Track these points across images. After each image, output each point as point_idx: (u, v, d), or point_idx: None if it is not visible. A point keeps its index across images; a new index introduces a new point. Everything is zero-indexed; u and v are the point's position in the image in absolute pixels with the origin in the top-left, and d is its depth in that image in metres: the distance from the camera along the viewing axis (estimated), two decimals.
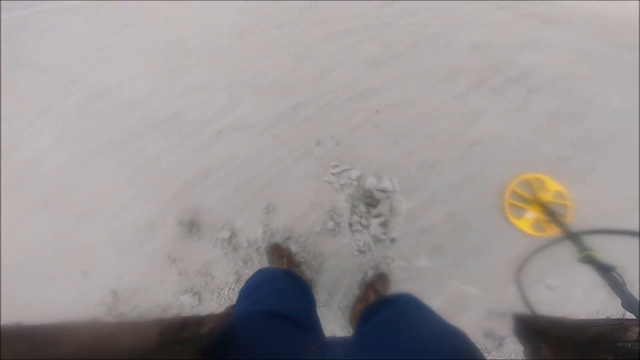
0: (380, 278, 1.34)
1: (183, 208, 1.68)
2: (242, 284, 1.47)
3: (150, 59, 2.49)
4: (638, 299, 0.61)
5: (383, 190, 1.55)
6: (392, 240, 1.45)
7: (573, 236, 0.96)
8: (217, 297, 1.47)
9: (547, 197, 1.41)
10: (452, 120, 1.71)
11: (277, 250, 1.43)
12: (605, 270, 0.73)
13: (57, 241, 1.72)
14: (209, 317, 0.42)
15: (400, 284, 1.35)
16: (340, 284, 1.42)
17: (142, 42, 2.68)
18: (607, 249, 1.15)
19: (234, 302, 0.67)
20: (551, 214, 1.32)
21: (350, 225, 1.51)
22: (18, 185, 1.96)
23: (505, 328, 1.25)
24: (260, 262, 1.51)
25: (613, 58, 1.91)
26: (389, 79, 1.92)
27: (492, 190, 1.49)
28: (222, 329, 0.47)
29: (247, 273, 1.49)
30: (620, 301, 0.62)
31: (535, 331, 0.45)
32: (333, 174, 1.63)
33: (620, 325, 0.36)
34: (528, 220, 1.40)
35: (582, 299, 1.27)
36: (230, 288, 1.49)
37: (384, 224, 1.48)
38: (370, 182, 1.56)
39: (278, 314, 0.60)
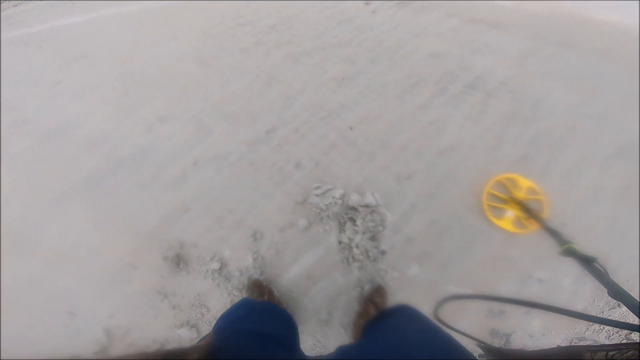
0: (378, 291, 1.38)
1: (166, 244, 1.64)
2: None
3: (108, 92, 2.39)
4: (622, 287, 0.63)
5: (367, 206, 1.60)
6: (382, 252, 1.50)
7: (552, 230, 1.01)
8: None
9: (521, 194, 1.51)
10: (419, 131, 1.80)
11: (258, 287, 1.42)
12: (587, 262, 0.74)
13: (33, 286, 1.63)
14: (194, 348, 0.43)
15: (397, 295, 1.40)
16: (338, 302, 1.45)
17: (97, 74, 2.57)
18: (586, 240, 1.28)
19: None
20: (528, 210, 1.41)
21: (340, 242, 1.55)
22: None
23: (508, 325, 1.33)
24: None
25: (555, 56, 2.11)
26: (356, 95, 1.98)
27: (465, 193, 1.59)
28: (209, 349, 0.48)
29: None
30: (606, 291, 0.64)
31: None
32: (316, 195, 1.67)
33: (573, 352, 0.41)
34: (509, 219, 1.48)
35: (573, 289, 1.38)
36: None
37: (372, 238, 1.54)
38: (354, 199, 1.61)
39: (259, 333, 0.62)
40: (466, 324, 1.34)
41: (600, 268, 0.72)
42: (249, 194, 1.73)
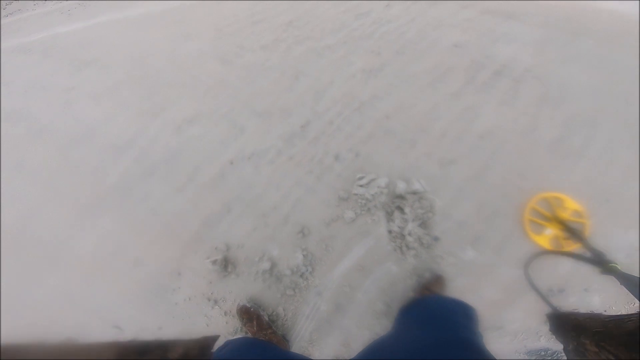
0: (438, 281, 1.38)
1: (211, 247, 1.60)
2: (295, 314, 1.44)
3: (127, 95, 2.33)
4: None
5: (414, 193, 1.60)
6: (436, 238, 1.51)
7: (595, 250, 1.02)
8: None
9: (565, 215, 1.48)
10: (455, 117, 1.83)
11: (246, 314, 1.39)
12: (629, 281, 0.75)
13: (73, 300, 1.57)
14: (177, 342, 0.41)
15: (457, 280, 1.41)
16: (394, 292, 1.45)
17: (112, 78, 2.50)
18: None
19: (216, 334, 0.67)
20: (570, 230, 1.40)
21: (390, 232, 1.55)
22: (10, 250, 1.73)
23: (568, 303, 1.35)
24: (307, 287, 1.49)
25: (572, 43, 2.17)
26: (387, 85, 2.00)
27: (509, 175, 1.62)
28: None
29: (297, 301, 1.47)
30: None
31: (575, 327, 0.46)
32: (361, 186, 1.66)
33: None
34: (547, 236, 1.46)
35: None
36: (283, 318, 1.45)
37: (423, 225, 1.54)
38: (401, 186, 1.61)
39: None
40: (527, 305, 1.36)
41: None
42: (292, 190, 1.71)
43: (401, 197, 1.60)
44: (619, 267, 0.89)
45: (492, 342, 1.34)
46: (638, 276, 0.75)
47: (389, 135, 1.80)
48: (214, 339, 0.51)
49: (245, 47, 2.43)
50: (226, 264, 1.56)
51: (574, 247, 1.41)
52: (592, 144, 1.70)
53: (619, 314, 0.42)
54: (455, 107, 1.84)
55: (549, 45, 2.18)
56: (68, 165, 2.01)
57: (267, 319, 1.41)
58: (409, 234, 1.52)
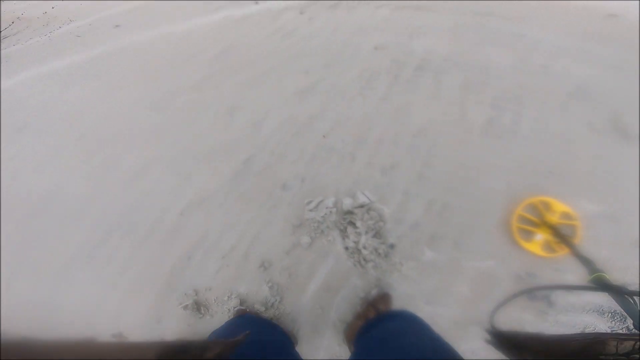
0: (383, 298, 1.39)
1: (181, 294, 1.59)
2: None
3: (70, 159, 2.23)
4: None
5: (361, 206, 1.63)
6: (391, 246, 1.54)
7: (583, 258, 0.99)
8: None
9: (554, 218, 1.46)
10: (389, 121, 1.87)
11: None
12: (617, 292, 0.72)
13: None
14: (214, 343, 0.42)
15: (423, 283, 1.44)
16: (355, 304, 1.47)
17: (49, 143, 2.38)
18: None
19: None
20: (560, 235, 1.36)
21: (347, 248, 1.57)
22: None
23: (541, 281, 1.39)
24: (280, 316, 1.50)
25: (483, 25, 2.29)
26: (321, 103, 2.02)
27: (452, 164, 1.68)
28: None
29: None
30: (632, 322, 0.62)
31: (516, 346, 0.47)
32: (311, 210, 1.68)
33: (597, 339, 0.38)
34: (538, 242, 1.45)
35: None
36: None
37: (376, 235, 1.57)
38: (347, 202, 1.64)
39: (258, 341, 0.66)
40: (499, 295, 1.39)
41: (629, 299, 0.69)
42: (246, 227, 1.70)
43: (350, 212, 1.63)
44: (607, 277, 0.82)
45: (476, 337, 1.35)
46: (625, 288, 0.70)
47: (331, 154, 1.83)
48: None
49: (175, 90, 2.39)
50: (198, 307, 1.57)
51: (565, 251, 1.38)
52: (522, 120, 1.79)
53: (561, 334, 0.43)
54: (387, 111, 1.89)
55: (461, 31, 2.28)
56: (28, 236, 1.91)
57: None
58: (364, 247, 1.54)
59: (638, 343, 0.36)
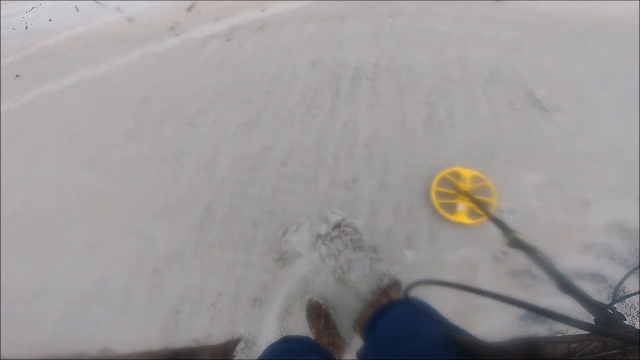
0: (395, 285, 1.46)
1: (180, 348, 1.49)
2: None
3: (10, 245, 1.91)
4: (570, 279, 0.60)
5: (336, 225, 1.68)
6: (372, 258, 1.61)
7: (496, 220, 0.98)
8: None
9: (467, 185, 1.58)
10: (340, 137, 1.94)
11: (316, 310, 1.44)
12: (531, 251, 0.72)
13: None
14: (205, 347, 0.45)
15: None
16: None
17: None
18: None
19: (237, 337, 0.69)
20: (474, 200, 1.46)
21: (334, 271, 1.61)
22: None
23: (522, 260, 1.46)
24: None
25: (397, 25, 2.47)
26: (271, 131, 2.02)
27: (407, 165, 1.79)
28: None
29: None
30: (554, 283, 0.61)
31: (465, 351, 0.49)
32: (287, 241, 1.68)
33: (535, 344, 0.39)
34: (462, 212, 1.56)
35: None
36: None
37: (357, 249, 1.63)
38: (323, 227, 1.67)
39: None
40: (487, 279, 1.50)
41: (545, 258, 0.69)
42: (227, 272, 1.64)
43: (326, 234, 1.67)
44: (521, 237, 0.82)
45: (479, 322, 1.44)
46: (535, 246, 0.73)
47: (293, 181, 1.84)
48: (237, 342, 0.51)
49: (106, 143, 2.18)
50: None
51: (484, 217, 1.47)
52: (455, 112, 1.98)
53: (503, 340, 0.44)
54: (336, 127, 1.96)
55: (382, 34, 2.44)
56: None
57: (334, 319, 1.41)
58: (347, 264, 1.60)
59: (571, 345, 0.37)
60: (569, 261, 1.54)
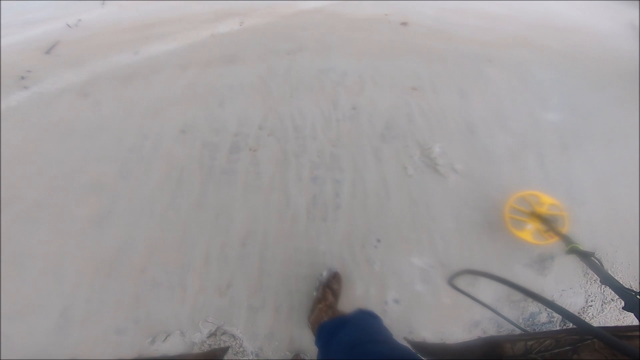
0: (335, 277, 1.48)
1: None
2: None
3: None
4: (611, 274, 0.83)
5: (210, 334, 1.44)
6: (256, 354, 1.40)
7: (562, 235, 1.30)
8: None
9: (543, 209, 1.59)
10: (210, 234, 1.64)
11: None
12: (586, 256, 0.98)
13: None
14: (186, 356, 0.35)
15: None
16: None
17: None
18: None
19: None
20: (547, 222, 1.50)
21: None
22: None
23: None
24: None
25: (290, 67, 2.18)
26: (126, 228, 1.66)
27: (287, 264, 1.58)
28: None
29: None
30: (599, 279, 0.84)
31: (432, 354, 0.54)
32: (157, 350, 1.41)
33: (494, 343, 0.42)
34: (529, 231, 1.57)
35: None
36: None
37: (238, 353, 1.41)
38: (197, 335, 1.43)
39: None
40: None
41: (596, 261, 0.96)
42: None
43: (202, 342, 1.43)
44: (579, 247, 1.11)
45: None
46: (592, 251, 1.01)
47: (156, 289, 1.54)
48: (224, 350, 0.50)
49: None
50: None
51: (554, 239, 1.49)
52: (342, 188, 1.78)
53: (464, 341, 0.47)
54: (206, 221, 1.67)
55: (273, 79, 2.16)
56: None
57: None
58: None
59: (528, 343, 0.40)
60: (457, 338, 1.46)
